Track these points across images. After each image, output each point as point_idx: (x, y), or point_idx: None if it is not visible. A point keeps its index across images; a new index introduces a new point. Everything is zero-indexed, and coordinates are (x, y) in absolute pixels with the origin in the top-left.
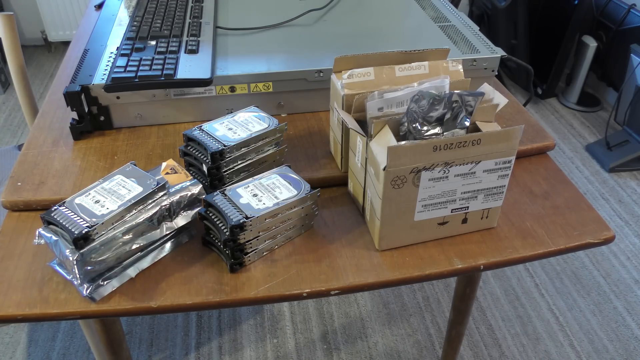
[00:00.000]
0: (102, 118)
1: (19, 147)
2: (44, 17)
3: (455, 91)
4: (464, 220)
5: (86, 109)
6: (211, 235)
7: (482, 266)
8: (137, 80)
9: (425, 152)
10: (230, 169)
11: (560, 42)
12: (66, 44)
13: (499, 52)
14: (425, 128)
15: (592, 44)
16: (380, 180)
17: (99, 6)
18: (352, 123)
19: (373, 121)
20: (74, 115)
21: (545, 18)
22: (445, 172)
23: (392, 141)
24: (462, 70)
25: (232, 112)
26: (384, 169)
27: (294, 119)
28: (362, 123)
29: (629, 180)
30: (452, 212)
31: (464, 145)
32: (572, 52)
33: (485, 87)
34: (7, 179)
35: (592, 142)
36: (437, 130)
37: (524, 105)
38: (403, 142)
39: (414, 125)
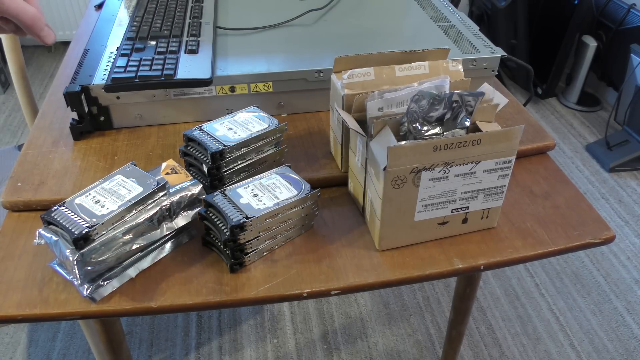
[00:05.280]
0: (102, 118)
1: (19, 147)
2: (44, 17)
3: (456, 91)
4: (464, 220)
5: (86, 109)
6: (211, 236)
7: (482, 266)
8: (137, 80)
9: (425, 152)
10: (230, 169)
11: (560, 42)
12: (66, 44)
13: (499, 52)
14: (425, 128)
15: (592, 43)
16: (381, 181)
17: (99, 6)
18: (352, 123)
19: (373, 121)
20: (74, 115)
21: (545, 18)
22: (445, 172)
23: (393, 141)
24: (462, 70)
25: (232, 112)
26: (384, 169)
27: (294, 119)
28: (362, 123)
29: (629, 180)
30: (452, 212)
31: (464, 145)
32: (572, 52)
33: (486, 87)
34: (7, 179)
35: (592, 142)
36: (437, 130)
37: (524, 105)
38: (403, 142)
39: (414, 125)
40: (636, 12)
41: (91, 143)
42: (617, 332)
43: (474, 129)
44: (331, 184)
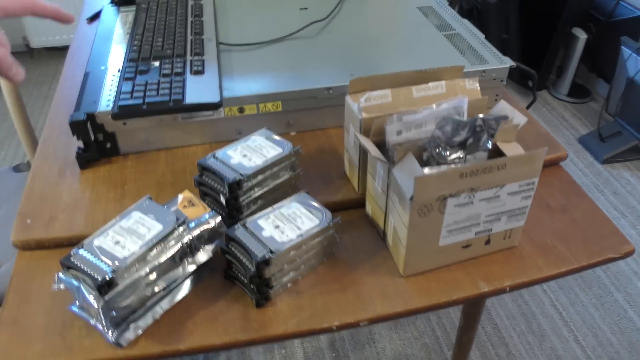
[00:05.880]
0: (108, 145)
1: (14, 168)
2: (26, 23)
3: (480, 116)
4: (487, 242)
5: (92, 137)
6: (233, 269)
7: (507, 288)
8: (145, 107)
9: (451, 180)
10: (247, 197)
11: (551, 34)
12: (49, 50)
13: (508, 62)
14: (448, 152)
15: (582, 36)
16: (406, 210)
17: (91, 19)
18: (374, 150)
19: (396, 148)
20: (78, 142)
21: (536, 11)
22: (470, 197)
23: (418, 170)
24: (479, 88)
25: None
26: (411, 199)
27: (303, 137)
28: (381, 146)
29: (623, 171)
30: (475, 235)
31: (489, 170)
32: (562, 44)
33: (504, 106)
34: (3, 203)
35: (584, 133)
36: (460, 154)
37: (527, 107)
38: (428, 170)
39: (436, 150)
40: (625, 4)
41: (98, 171)
42: (620, 325)
43: (495, 149)
44: (348, 207)
